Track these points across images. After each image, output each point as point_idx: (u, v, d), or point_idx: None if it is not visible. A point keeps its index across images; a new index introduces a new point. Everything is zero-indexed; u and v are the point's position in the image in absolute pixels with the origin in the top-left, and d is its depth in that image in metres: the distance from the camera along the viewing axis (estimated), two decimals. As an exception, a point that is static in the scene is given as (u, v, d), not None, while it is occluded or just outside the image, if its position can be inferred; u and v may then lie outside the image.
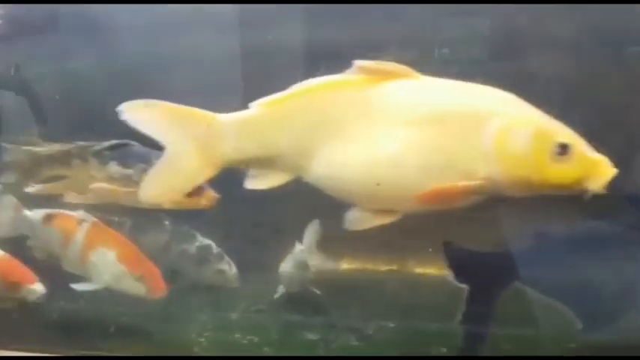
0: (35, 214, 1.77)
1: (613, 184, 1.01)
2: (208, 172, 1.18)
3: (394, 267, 2.03)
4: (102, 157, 1.58)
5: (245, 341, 1.54)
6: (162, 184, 1.19)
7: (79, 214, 1.72)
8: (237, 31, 1.96)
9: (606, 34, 1.66)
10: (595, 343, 1.52)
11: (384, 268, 2.06)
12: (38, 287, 1.71)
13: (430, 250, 1.93)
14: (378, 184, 1.10)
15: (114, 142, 1.57)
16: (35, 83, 2.02)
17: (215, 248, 1.90)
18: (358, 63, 1.12)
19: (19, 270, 1.72)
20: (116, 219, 1.84)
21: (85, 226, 1.71)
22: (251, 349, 1.53)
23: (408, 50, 1.72)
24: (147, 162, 1.46)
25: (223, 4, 1.92)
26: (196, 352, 1.61)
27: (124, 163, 1.56)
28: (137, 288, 1.61)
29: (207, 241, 1.91)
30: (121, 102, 1.11)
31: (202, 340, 1.64)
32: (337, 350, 1.62)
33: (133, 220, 1.86)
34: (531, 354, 1.56)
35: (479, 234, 1.58)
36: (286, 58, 1.89)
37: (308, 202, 1.40)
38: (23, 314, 1.72)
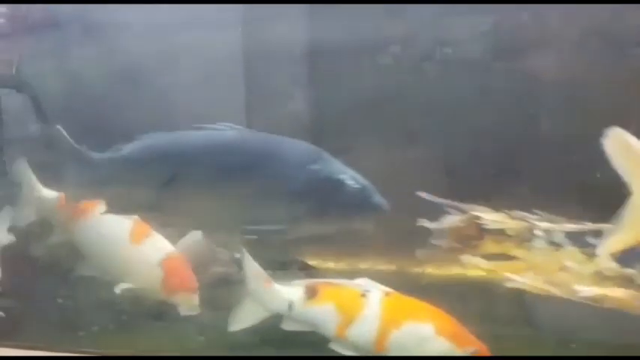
0: (293, 289, 1.39)
1: None
2: None
3: (394, 267, 2.03)
4: (586, 244, 1.27)
5: (244, 341, 1.54)
6: (625, 238, 1.10)
7: (360, 282, 1.37)
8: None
9: (609, 34, 1.67)
10: (595, 343, 1.53)
11: (383, 268, 2.06)
12: (194, 300, 1.52)
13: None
14: None
15: (594, 225, 1.26)
16: (37, 81, 2.02)
17: None
18: None
19: (184, 273, 1.53)
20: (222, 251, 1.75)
21: (376, 297, 1.32)
22: (250, 349, 1.53)
23: (409, 49, 1.72)
24: None
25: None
26: (195, 351, 1.61)
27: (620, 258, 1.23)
28: None
29: None
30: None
31: (201, 339, 1.64)
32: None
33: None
34: (531, 354, 1.56)
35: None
36: (288, 57, 1.90)
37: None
38: (23, 314, 1.72)
